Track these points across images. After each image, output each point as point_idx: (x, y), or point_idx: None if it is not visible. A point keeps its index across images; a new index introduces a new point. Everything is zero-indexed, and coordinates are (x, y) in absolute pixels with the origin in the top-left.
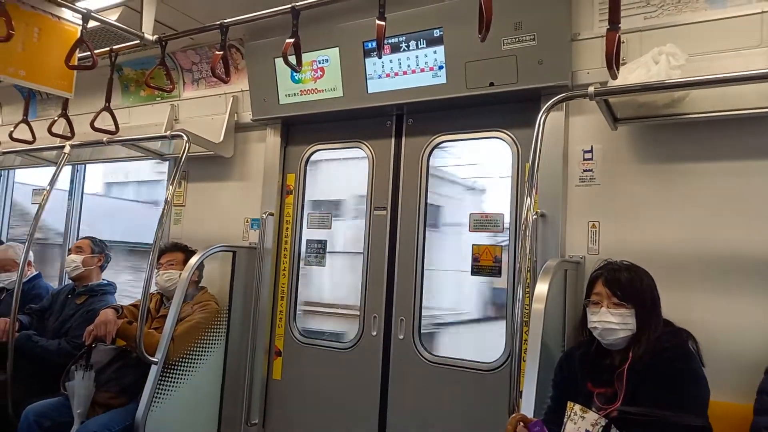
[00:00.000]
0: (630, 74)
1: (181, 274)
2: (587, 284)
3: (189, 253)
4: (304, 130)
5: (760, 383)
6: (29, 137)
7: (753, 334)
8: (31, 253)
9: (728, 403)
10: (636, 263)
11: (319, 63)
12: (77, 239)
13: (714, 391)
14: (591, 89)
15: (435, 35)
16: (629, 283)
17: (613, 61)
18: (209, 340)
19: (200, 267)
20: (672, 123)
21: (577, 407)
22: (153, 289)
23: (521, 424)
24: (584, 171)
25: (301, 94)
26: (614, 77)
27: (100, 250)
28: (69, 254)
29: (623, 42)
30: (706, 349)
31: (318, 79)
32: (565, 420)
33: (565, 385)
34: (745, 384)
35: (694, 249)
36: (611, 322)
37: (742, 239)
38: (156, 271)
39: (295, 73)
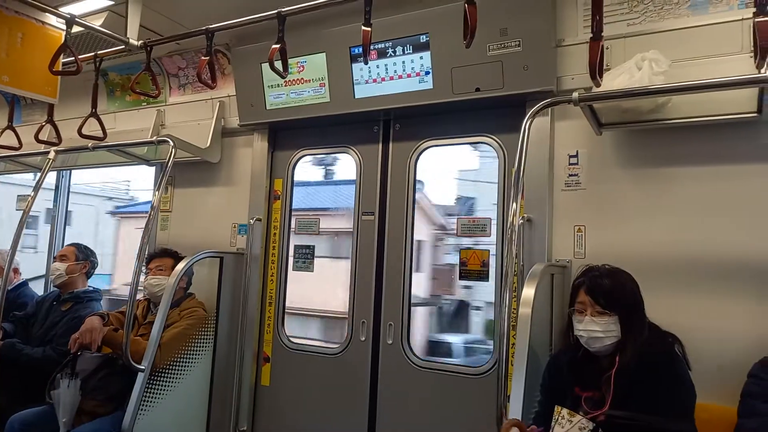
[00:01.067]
0: (614, 80)
1: (176, 278)
2: (571, 291)
3: (178, 259)
4: (292, 135)
5: (743, 386)
6: (15, 143)
7: (737, 337)
8: (17, 260)
9: (713, 405)
10: (620, 266)
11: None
12: (62, 246)
13: (699, 394)
14: (575, 95)
15: (421, 41)
16: (611, 291)
17: (596, 70)
18: (197, 346)
19: (189, 273)
20: (656, 128)
21: (565, 411)
22: (140, 294)
23: (517, 429)
24: (570, 176)
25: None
26: (598, 86)
27: (84, 257)
28: (54, 262)
29: (607, 48)
30: (692, 351)
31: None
32: (552, 424)
33: (552, 390)
34: (730, 387)
35: (679, 252)
36: (596, 330)
37: (727, 243)
38: (144, 276)
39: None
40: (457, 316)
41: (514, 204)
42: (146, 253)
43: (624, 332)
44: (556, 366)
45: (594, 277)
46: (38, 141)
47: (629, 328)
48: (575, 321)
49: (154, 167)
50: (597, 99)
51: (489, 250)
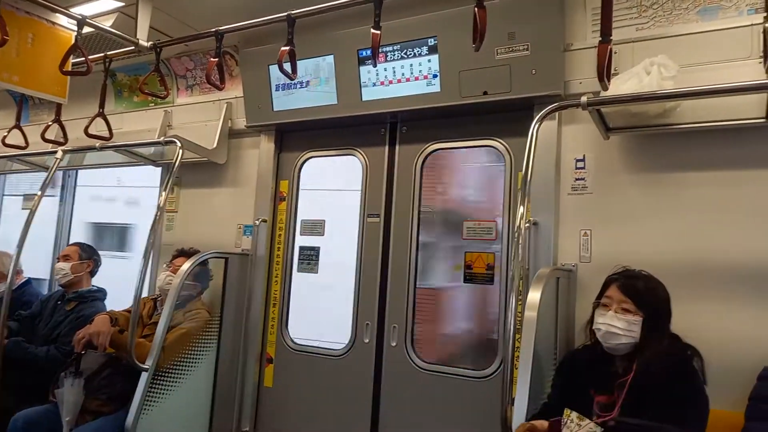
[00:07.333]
0: (622, 84)
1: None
2: (601, 286)
3: None
4: (298, 137)
5: (753, 389)
6: (22, 142)
7: (746, 342)
8: (21, 260)
9: (721, 411)
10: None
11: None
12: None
13: None
14: (584, 99)
15: (430, 44)
16: (644, 291)
17: (605, 73)
18: (200, 347)
19: (204, 277)
20: (663, 133)
21: (574, 415)
22: (144, 294)
23: None
24: (576, 180)
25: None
26: (605, 89)
27: (88, 256)
28: (57, 262)
29: (615, 53)
30: None
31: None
32: (561, 427)
33: (565, 387)
34: (738, 391)
35: (686, 257)
36: (616, 326)
37: (733, 247)
38: (166, 271)
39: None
40: None
41: (521, 208)
42: (151, 253)
43: (643, 337)
44: (573, 364)
45: (630, 276)
46: (45, 140)
47: (650, 334)
48: (597, 314)
49: (160, 168)
50: (606, 103)
51: (494, 254)
